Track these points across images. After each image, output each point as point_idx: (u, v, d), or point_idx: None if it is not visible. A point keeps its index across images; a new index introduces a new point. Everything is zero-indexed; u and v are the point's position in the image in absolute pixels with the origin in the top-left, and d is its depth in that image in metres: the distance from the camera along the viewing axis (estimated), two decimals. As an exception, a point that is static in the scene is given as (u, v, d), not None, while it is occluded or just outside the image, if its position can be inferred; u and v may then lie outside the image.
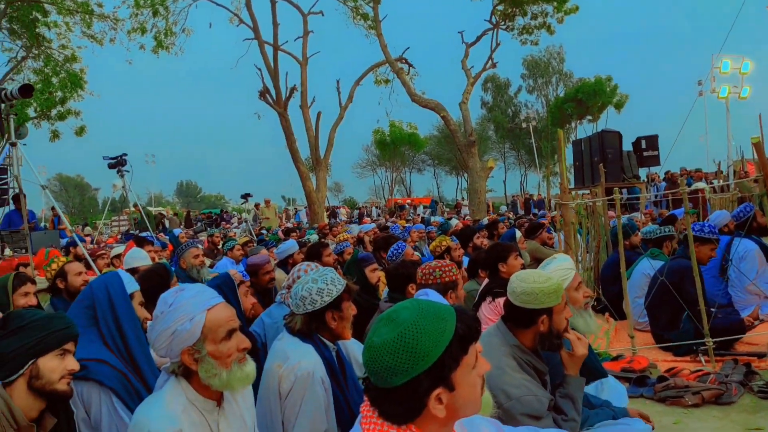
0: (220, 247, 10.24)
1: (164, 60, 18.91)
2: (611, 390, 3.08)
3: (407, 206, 31.80)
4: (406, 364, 1.25)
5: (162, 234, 14.37)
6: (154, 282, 3.47)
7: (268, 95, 19.78)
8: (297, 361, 2.28)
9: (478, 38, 19.17)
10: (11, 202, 9.41)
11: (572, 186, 17.09)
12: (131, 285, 2.66)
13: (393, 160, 50.79)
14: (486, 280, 4.26)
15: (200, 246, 5.60)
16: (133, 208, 14.78)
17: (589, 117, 38.88)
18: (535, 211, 22.35)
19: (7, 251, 7.36)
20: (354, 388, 2.52)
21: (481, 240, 6.42)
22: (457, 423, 1.44)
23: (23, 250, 7.19)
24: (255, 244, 9.06)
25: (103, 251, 6.81)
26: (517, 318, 2.37)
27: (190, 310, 1.83)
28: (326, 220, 19.73)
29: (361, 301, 3.43)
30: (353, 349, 2.88)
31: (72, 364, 2.03)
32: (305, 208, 25.62)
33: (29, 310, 2.18)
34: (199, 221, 24.32)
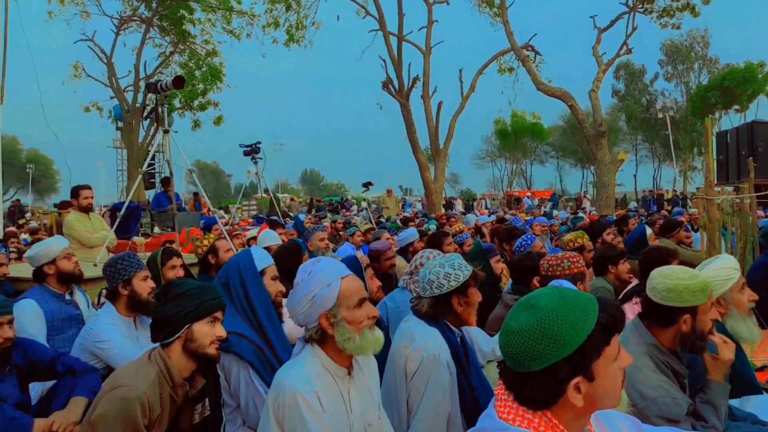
0: (341, 233, 10.63)
1: (294, 53, 19.76)
2: (758, 402, 2.81)
3: (526, 199, 30.89)
4: (545, 350, 1.23)
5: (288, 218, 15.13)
6: (289, 257, 3.69)
7: (390, 86, 20.07)
8: (424, 342, 2.32)
9: (612, 23, 18.10)
10: (159, 185, 10.35)
11: (715, 182, 15.65)
12: (263, 261, 2.80)
13: (514, 151, 49.41)
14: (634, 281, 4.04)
15: (325, 230, 5.84)
16: (264, 194, 15.68)
17: (737, 107, 35.32)
18: (669, 207, 20.81)
19: (156, 229, 8.10)
20: (476, 375, 2.51)
21: (611, 236, 6.09)
22: (593, 415, 1.41)
23: (169, 229, 7.89)
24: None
25: (238, 232, 7.31)
26: (656, 316, 2.23)
27: (327, 276, 1.96)
28: (442, 210, 19.73)
29: (483, 292, 3.41)
30: (476, 336, 2.87)
31: (220, 331, 2.21)
32: (421, 199, 25.76)
33: (186, 280, 2.41)
34: (322, 208, 25.32)
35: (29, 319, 3.35)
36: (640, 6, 17.96)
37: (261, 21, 20.47)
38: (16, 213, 20.99)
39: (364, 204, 18.83)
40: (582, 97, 17.30)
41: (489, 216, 12.50)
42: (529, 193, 37.09)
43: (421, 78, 20.15)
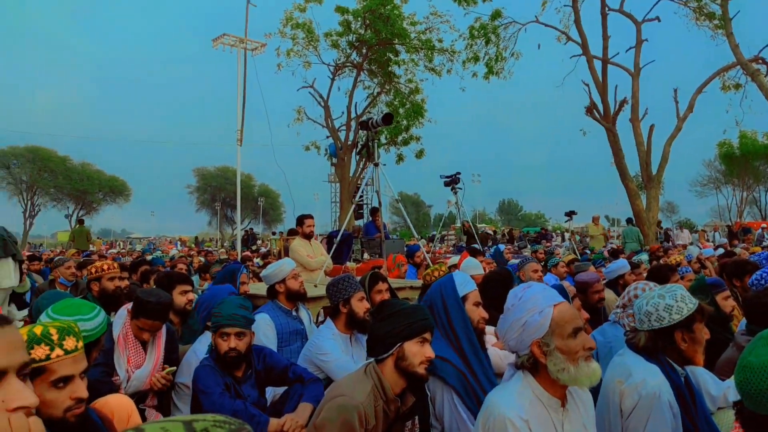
0: (543, 264, 10.30)
1: (493, 84, 19.89)
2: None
3: (761, 231, 26.80)
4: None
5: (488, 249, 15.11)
6: (499, 284, 3.72)
7: (595, 110, 19.13)
8: (641, 378, 2.16)
9: None
10: (367, 215, 11.12)
11: None
12: (466, 286, 2.85)
13: (743, 176, 43.40)
14: None
15: (535, 262, 5.75)
16: (460, 224, 15.90)
17: None
18: None
19: (366, 255, 8.70)
20: (704, 421, 2.25)
21: None
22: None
23: (377, 255, 8.42)
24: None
25: (440, 260, 7.53)
26: None
27: (538, 303, 1.93)
28: (657, 242, 18.01)
29: (710, 332, 3.06)
30: (705, 378, 2.58)
31: (429, 351, 2.31)
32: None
33: (398, 301, 2.57)
34: (522, 238, 24.83)
35: (264, 331, 3.82)
36: None
37: (461, 57, 21.08)
38: (249, 240, 24.15)
39: (567, 234, 18.03)
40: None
41: (715, 249, 11.13)
42: (764, 224, 32.18)
43: (629, 100, 18.89)
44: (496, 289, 3.71)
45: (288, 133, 23.57)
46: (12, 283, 6.12)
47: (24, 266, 6.97)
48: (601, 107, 18.93)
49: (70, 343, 1.78)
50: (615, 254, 10.72)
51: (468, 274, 4.80)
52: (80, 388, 1.73)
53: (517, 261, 6.91)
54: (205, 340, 3.49)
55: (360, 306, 3.53)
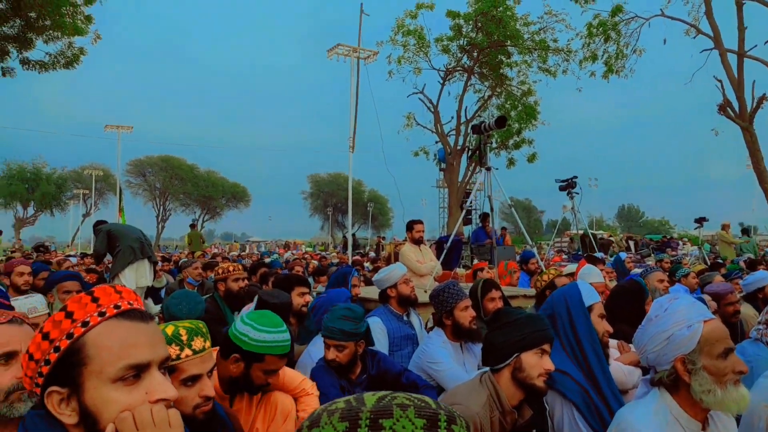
0: (668, 273, 9.58)
1: (612, 83, 18.87)
2: None
3: None
4: None
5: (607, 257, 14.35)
6: (628, 296, 3.50)
7: (729, 108, 17.57)
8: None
9: None
10: (477, 220, 10.94)
11: None
12: (591, 297, 2.69)
13: None
14: None
15: (660, 271, 5.36)
16: (575, 231, 15.22)
17: None
18: None
19: (475, 262, 8.56)
20: None
21: None
22: None
23: (487, 262, 8.25)
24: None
25: (553, 268, 7.23)
26: None
27: (687, 316, 1.78)
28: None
29: None
30: None
31: (548, 364, 2.20)
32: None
33: (516, 309, 2.49)
34: (644, 246, 23.34)
35: (376, 335, 3.85)
36: None
37: (578, 56, 20.25)
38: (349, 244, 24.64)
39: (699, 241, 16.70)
40: None
41: None
42: None
43: (769, 97, 17.15)
44: (625, 302, 3.49)
45: (398, 139, 23.88)
46: (147, 282, 6.70)
47: (158, 267, 7.59)
48: (736, 105, 17.36)
49: (198, 343, 1.87)
50: (753, 265, 9.74)
51: (587, 281, 4.59)
52: (208, 387, 1.82)
53: (639, 270, 6.48)
54: (319, 342, 3.58)
55: (465, 315, 3.45)
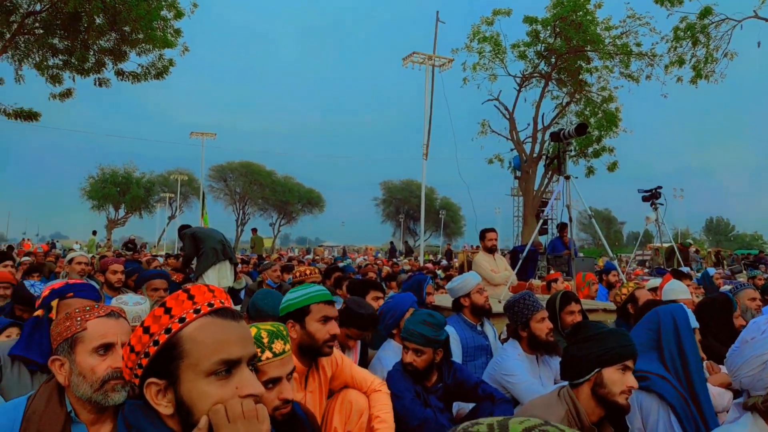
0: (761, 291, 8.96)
1: (702, 89, 17.90)
2: None
3: None
4: None
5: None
6: (714, 311, 3.33)
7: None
8: None
9: None
10: (554, 230, 10.66)
11: None
12: (694, 320, 2.62)
13: None
14: None
15: (752, 288, 5.03)
16: (658, 243, 14.53)
17: None
18: None
19: (551, 272, 8.34)
20: None
21: None
22: None
23: (565, 273, 8.02)
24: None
25: (635, 281, 6.93)
26: None
27: None
28: None
29: None
30: None
31: (631, 381, 2.12)
32: None
33: (596, 323, 2.41)
34: (734, 262, 21.94)
35: (449, 344, 3.84)
36: None
37: (663, 60, 19.37)
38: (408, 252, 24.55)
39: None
40: None
41: None
42: None
43: None
44: (712, 316, 3.31)
45: (471, 147, 23.63)
46: (228, 283, 6.98)
47: (238, 268, 7.89)
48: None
49: (278, 346, 1.92)
50: None
51: (673, 298, 4.38)
52: (287, 389, 1.86)
53: (729, 287, 6.11)
54: (389, 347, 3.60)
55: (542, 327, 3.36)
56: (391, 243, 34.35)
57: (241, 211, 54.00)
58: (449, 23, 16.79)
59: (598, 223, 7.49)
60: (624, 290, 4.29)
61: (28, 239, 36.10)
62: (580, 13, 19.99)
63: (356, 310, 3.31)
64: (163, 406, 1.17)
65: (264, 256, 20.46)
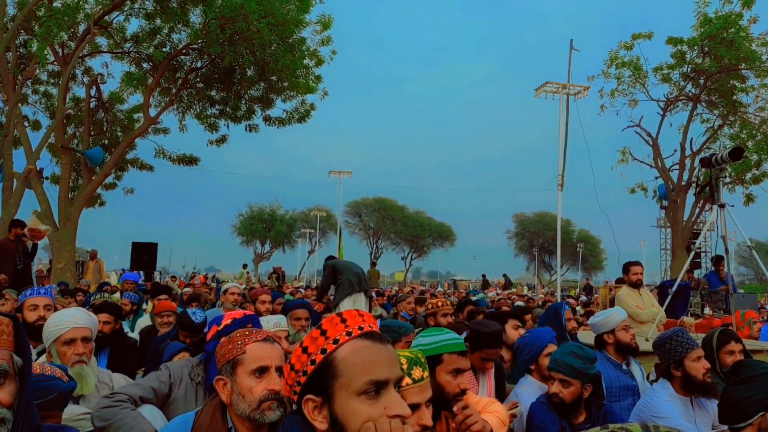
0: None
1: None
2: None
3: None
4: None
5: None
6: None
7: None
8: None
9: None
10: (709, 263, 9.75)
11: None
12: None
13: None
14: None
15: None
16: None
17: None
18: None
19: (707, 310, 7.64)
20: None
21: None
22: None
23: (722, 311, 7.32)
24: None
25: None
26: None
27: None
28: None
29: None
30: None
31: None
32: None
33: (759, 362, 2.20)
34: None
35: (602, 384, 3.67)
36: None
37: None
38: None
39: None
40: None
41: None
42: None
43: None
44: None
45: (611, 176, 22.44)
46: (364, 313, 7.22)
47: (373, 299, 8.14)
48: None
49: (417, 372, 1.96)
50: None
51: None
52: (426, 417, 1.88)
53: None
54: (526, 382, 3.51)
55: (698, 367, 3.10)
56: (483, 276, 33.95)
57: (374, 246, 55.57)
58: (583, 51, 16.28)
59: (760, 256, 6.77)
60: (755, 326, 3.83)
61: (200, 273, 39.84)
62: (732, 30, 18.46)
63: (481, 330, 3.29)
64: (319, 422, 1.27)
65: (397, 290, 20.86)
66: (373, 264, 26.36)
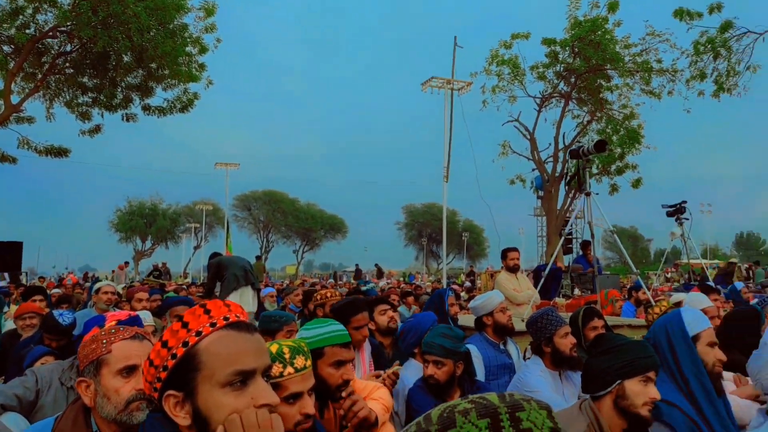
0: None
1: (725, 103, 17.70)
2: None
3: None
4: None
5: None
6: (742, 324, 3.28)
7: None
8: None
9: None
10: (577, 249, 10.55)
11: None
12: (698, 324, 2.53)
13: None
14: None
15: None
16: (685, 260, 14.26)
17: None
18: None
19: (576, 291, 8.25)
20: None
21: None
22: None
23: (589, 291, 7.93)
24: None
25: (660, 298, 6.81)
26: None
27: None
28: None
29: None
30: None
31: (654, 392, 2.09)
32: None
33: (618, 335, 2.38)
34: (760, 275, 21.37)
35: (472, 361, 3.83)
36: None
37: (684, 75, 19.24)
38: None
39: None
40: None
41: None
42: None
43: None
44: (739, 329, 3.25)
45: (492, 168, 23.62)
46: (251, 308, 7.06)
47: (261, 293, 7.96)
48: None
49: (300, 361, 1.94)
50: None
51: (695, 309, 4.30)
52: (308, 405, 1.88)
53: (755, 301, 5.97)
54: (410, 366, 3.60)
55: (565, 342, 3.34)
56: (356, 266, 35.60)
57: (265, 239, 54.48)
58: (467, 48, 16.92)
59: (623, 241, 7.40)
60: (656, 309, 4.21)
61: (70, 272, 36.96)
62: (599, 32, 20.02)
63: (340, 304, 3.44)
64: (181, 418, 1.20)
65: (288, 283, 20.61)
66: (258, 258, 25.93)
